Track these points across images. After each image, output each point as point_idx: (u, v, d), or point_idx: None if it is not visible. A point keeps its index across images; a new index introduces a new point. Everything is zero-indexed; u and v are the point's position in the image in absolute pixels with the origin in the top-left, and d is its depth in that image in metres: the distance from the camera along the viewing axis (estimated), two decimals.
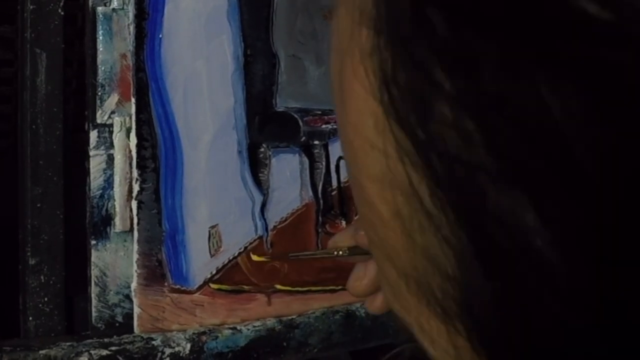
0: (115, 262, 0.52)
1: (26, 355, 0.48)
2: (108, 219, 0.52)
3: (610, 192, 0.16)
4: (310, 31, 0.58)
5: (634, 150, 0.15)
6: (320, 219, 0.59)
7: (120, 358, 0.50)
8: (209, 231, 0.54)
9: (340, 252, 0.46)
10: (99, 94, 0.51)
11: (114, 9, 0.51)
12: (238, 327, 0.55)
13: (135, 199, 0.51)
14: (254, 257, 0.56)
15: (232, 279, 0.55)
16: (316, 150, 0.58)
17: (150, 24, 0.51)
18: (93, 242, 0.51)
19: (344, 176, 0.60)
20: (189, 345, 0.52)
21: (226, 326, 0.55)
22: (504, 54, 0.16)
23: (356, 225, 0.45)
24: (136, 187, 0.51)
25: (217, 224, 0.54)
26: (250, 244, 0.56)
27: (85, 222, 0.51)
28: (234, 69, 0.55)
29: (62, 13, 0.51)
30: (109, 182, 0.51)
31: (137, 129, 0.51)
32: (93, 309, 0.51)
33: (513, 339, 0.18)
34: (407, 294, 0.20)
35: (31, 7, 0.50)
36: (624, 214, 0.16)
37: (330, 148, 0.59)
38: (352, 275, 0.47)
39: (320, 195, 0.59)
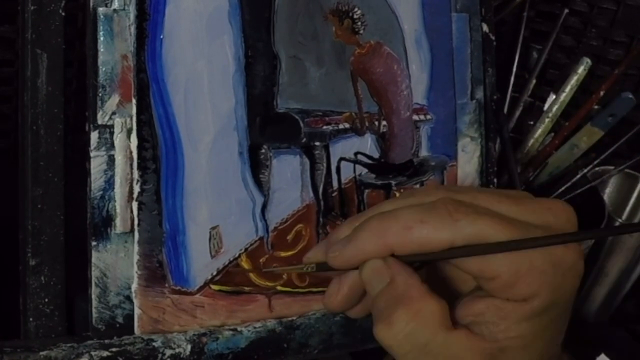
0: (116, 263, 0.52)
1: (26, 356, 0.48)
2: (108, 220, 0.51)
3: None
4: (311, 32, 0.58)
5: None
6: (321, 220, 0.59)
7: (120, 359, 0.50)
8: (210, 232, 0.54)
9: (309, 269, 0.45)
10: (100, 94, 0.51)
11: (115, 10, 0.51)
12: (238, 329, 0.55)
13: (136, 200, 0.51)
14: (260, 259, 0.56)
15: (232, 280, 0.55)
16: (317, 152, 0.58)
17: (151, 24, 0.51)
18: (93, 243, 0.51)
19: (344, 177, 0.60)
20: (189, 347, 0.52)
21: (226, 327, 0.55)
22: None
23: (327, 244, 0.44)
24: (137, 188, 0.51)
25: (217, 225, 0.54)
26: (251, 245, 0.56)
27: (85, 223, 0.51)
28: (235, 70, 0.55)
29: (63, 14, 0.51)
30: (109, 183, 0.51)
31: (138, 130, 0.51)
32: (93, 310, 0.51)
33: None
34: None
35: (32, 7, 0.50)
36: None
37: (331, 149, 0.59)
38: (326, 292, 0.46)
39: (321, 196, 0.59)
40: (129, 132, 0.51)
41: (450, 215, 0.38)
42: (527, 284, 0.38)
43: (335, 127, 0.59)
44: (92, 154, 0.51)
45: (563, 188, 0.82)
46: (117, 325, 0.52)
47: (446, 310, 0.40)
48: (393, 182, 0.62)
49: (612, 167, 0.86)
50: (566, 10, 0.86)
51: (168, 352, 0.52)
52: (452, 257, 0.38)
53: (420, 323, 0.38)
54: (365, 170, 0.61)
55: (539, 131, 0.85)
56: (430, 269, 0.43)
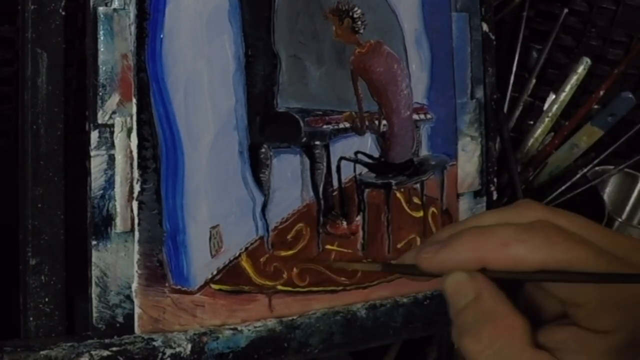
0: (116, 262, 0.52)
1: (27, 355, 0.48)
2: (109, 219, 0.51)
3: None
4: (311, 31, 0.58)
5: None
6: (321, 219, 0.59)
7: (121, 359, 0.50)
8: (210, 231, 0.54)
9: (376, 267, 0.44)
10: (100, 94, 0.51)
11: (115, 9, 0.51)
12: (239, 328, 0.55)
13: (136, 200, 0.51)
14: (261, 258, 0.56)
15: (232, 279, 0.55)
16: (317, 151, 0.58)
17: (151, 24, 0.51)
18: (94, 242, 0.51)
19: (344, 177, 0.60)
20: (189, 346, 0.52)
21: (227, 327, 0.54)
22: None
23: (419, 248, 0.42)
24: (137, 188, 0.51)
25: (218, 225, 0.54)
26: (252, 244, 0.56)
27: (86, 223, 0.51)
28: (235, 69, 0.55)
29: (63, 13, 0.51)
30: (109, 183, 0.51)
31: (138, 129, 0.51)
32: (94, 310, 0.51)
33: None
34: None
35: (32, 7, 0.50)
36: None
37: (331, 148, 0.59)
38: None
39: (321, 195, 0.59)
40: (129, 131, 0.51)
41: (548, 238, 0.38)
42: (611, 317, 0.38)
43: (336, 127, 0.59)
44: (92, 153, 0.51)
45: (563, 188, 0.82)
46: (118, 325, 0.51)
47: (530, 329, 0.40)
48: (393, 182, 0.62)
49: (611, 167, 0.86)
50: (566, 10, 0.86)
51: (168, 351, 0.52)
52: (542, 280, 0.39)
53: (508, 339, 0.39)
54: (365, 170, 0.61)
55: (539, 131, 0.85)
56: (513, 289, 0.43)
